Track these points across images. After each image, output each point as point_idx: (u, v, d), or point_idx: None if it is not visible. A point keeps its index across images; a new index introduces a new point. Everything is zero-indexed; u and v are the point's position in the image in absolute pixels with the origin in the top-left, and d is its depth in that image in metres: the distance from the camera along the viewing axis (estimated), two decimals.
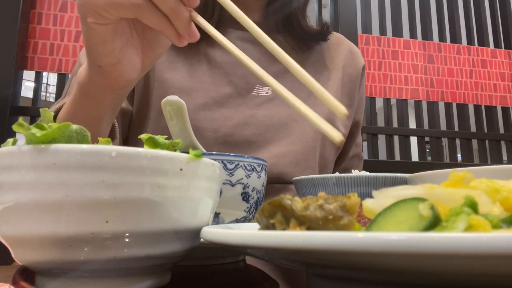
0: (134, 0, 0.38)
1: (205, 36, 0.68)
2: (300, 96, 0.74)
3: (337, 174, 0.44)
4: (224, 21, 0.72)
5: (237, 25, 0.70)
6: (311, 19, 0.78)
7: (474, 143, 1.98)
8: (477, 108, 2.02)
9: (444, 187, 0.22)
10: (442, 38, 2.04)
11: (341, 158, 0.83)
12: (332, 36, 0.79)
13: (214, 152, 0.40)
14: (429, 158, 2.09)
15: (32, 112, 1.53)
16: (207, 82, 0.67)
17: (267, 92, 0.69)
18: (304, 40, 0.76)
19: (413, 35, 2.01)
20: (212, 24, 0.67)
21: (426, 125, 1.96)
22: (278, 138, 0.67)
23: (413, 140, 1.93)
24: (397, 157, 1.92)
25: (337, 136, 0.28)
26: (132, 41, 0.44)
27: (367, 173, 0.43)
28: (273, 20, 0.74)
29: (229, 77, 0.69)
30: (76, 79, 0.50)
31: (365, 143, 1.56)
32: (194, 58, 0.70)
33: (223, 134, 0.64)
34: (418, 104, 1.96)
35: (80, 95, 0.50)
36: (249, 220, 0.42)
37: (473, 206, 0.19)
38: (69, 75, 1.58)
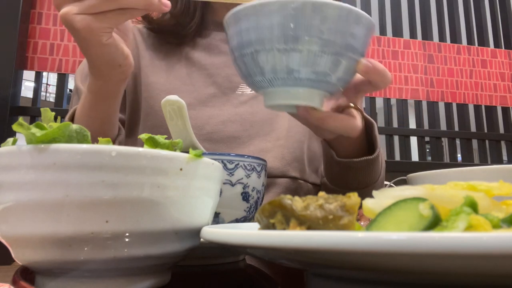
0: None
1: (187, 40, 0.71)
2: None
3: None
4: (207, 24, 0.74)
5: (220, 28, 0.71)
6: None
7: (474, 143, 1.98)
8: (477, 108, 2.02)
9: (444, 188, 0.22)
10: (442, 38, 2.04)
11: None
12: None
13: (214, 152, 0.40)
14: (429, 158, 2.09)
15: (32, 112, 1.53)
16: (190, 84, 0.69)
17: (251, 90, 0.70)
18: None
19: (413, 35, 2.01)
20: (193, 26, 0.69)
21: (426, 125, 1.96)
22: (263, 133, 0.68)
23: (413, 140, 1.93)
24: (397, 157, 1.92)
25: None
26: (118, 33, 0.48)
27: None
28: None
29: (213, 78, 0.70)
30: (85, 88, 0.53)
31: None
32: (177, 62, 0.71)
33: (207, 132, 0.66)
34: (418, 104, 1.96)
35: (93, 99, 0.52)
36: (249, 220, 0.42)
37: (473, 206, 0.19)
38: (69, 75, 1.59)
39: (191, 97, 0.67)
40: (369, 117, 0.55)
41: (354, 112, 0.44)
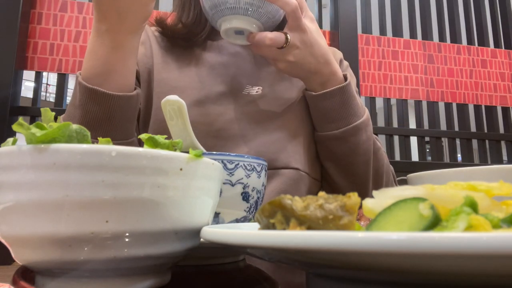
0: None
1: (199, 42, 0.73)
2: (290, 94, 0.77)
3: None
4: (217, 32, 0.75)
5: None
6: None
7: (474, 143, 1.98)
8: (477, 108, 2.02)
9: (444, 188, 0.22)
10: (442, 38, 2.04)
11: None
12: None
13: (214, 152, 0.40)
14: (429, 158, 2.09)
15: (32, 112, 1.53)
16: (200, 81, 0.72)
17: (257, 91, 0.73)
18: None
19: (413, 35, 2.01)
20: (203, 35, 0.72)
21: (426, 125, 1.96)
22: (268, 129, 0.70)
23: (413, 140, 1.93)
24: (397, 157, 1.92)
25: None
26: None
27: None
28: None
29: (222, 77, 0.73)
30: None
31: None
32: (189, 61, 0.75)
33: (216, 129, 0.68)
34: (418, 104, 1.96)
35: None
36: (249, 220, 0.42)
37: (473, 206, 0.19)
38: (69, 75, 1.59)
39: (201, 94, 0.70)
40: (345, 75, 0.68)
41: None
